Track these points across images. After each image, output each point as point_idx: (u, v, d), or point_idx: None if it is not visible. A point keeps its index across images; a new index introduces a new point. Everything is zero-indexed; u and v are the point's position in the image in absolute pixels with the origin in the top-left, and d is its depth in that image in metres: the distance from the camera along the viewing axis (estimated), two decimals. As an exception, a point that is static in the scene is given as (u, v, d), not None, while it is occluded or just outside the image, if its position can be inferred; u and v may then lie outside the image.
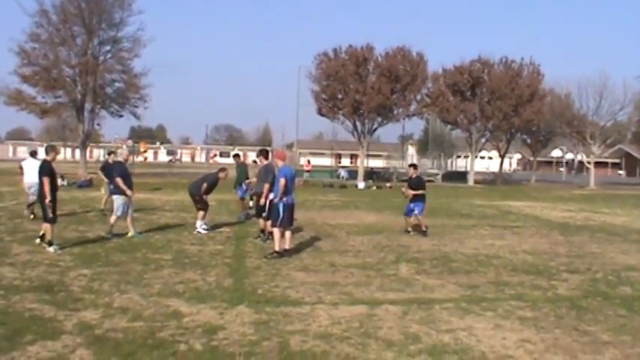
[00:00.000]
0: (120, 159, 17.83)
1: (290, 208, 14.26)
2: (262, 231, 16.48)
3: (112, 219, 16.31)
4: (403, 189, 19.68)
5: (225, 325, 8.29)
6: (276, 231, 13.98)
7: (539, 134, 72.91)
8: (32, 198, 19.21)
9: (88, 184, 37.23)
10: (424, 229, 18.47)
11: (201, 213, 17.66)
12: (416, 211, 18.79)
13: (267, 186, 15.53)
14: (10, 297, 9.42)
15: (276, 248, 13.77)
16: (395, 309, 9.35)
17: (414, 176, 19.35)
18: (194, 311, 8.93)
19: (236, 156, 24.24)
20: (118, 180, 16.20)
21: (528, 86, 61.86)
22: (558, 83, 67.57)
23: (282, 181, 13.98)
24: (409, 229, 18.81)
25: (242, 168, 22.05)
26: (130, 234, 16.29)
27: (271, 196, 14.97)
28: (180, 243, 15.47)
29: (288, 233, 14.24)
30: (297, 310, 9.11)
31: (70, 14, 52.74)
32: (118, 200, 16.28)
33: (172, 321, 8.39)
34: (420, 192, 18.76)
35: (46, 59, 53.07)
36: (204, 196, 17.68)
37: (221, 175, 18.07)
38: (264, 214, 15.94)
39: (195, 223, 17.75)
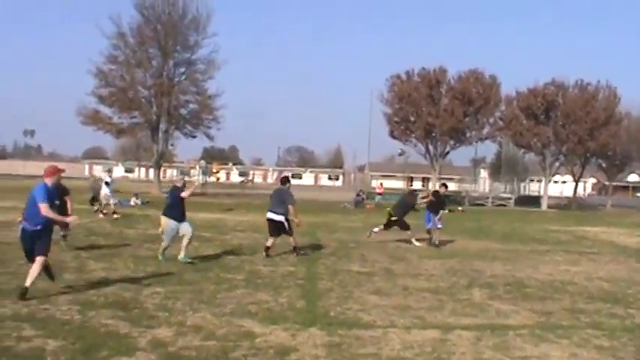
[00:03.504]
0: (178, 184, 16.30)
1: (26, 235, 10.87)
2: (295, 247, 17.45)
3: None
4: None
5: (298, 346, 8.30)
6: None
7: (615, 158, 71.41)
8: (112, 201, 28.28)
9: None
10: None
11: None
12: None
13: (291, 207, 17.18)
14: (87, 312, 9.60)
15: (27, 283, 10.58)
16: (468, 334, 9.25)
17: None
18: (266, 332, 8.96)
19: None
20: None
21: (604, 109, 60.77)
22: (635, 106, 66.30)
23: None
24: None
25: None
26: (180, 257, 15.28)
27: (280, 218, 17.08)
28: (253, 264, 15.54)
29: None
30: (369, 334, 9.08)
31: (147, 37, 54.04)
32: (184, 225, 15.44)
33: (245, 341, 8.44)
34: None
35: (123, 80, 54.44)
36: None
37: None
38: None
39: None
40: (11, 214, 20.86)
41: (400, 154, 19.63)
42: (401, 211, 21.28)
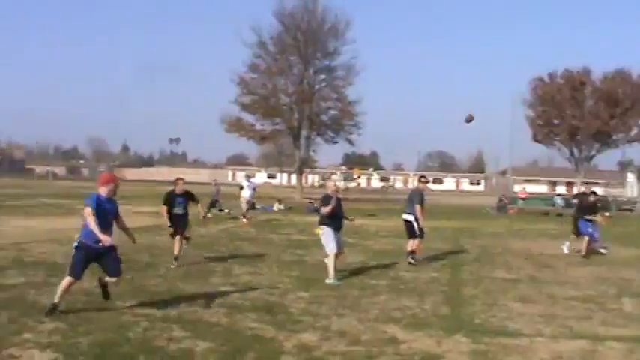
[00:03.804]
0: (330, 193, 14.10)
1: (89, 253, 9.61)
2: (412, 251, 16.63)
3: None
4: None
5: (443, 353, 8.24)
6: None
7: None
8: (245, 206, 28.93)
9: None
10: None
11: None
12: None
13: (417, 207, 16.42)
14: (234, 315, 9.85)
15: (56, 299, 9.43)
16: (619, 346, 8.91)
17: None
18: (411, 338, 8.93)
19: None
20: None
21: None
22: None
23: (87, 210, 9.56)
24: None
25: None
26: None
27: (410, 217, 16.53)
28: (396, 269, 15.50)
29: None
30: (515, 342, 8.92)
31: (287, 45, 55.16)
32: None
33: (389, 347, 8.45)
34: None
35: (264, 88, 55.73)
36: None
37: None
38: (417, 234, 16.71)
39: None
40: (156, 219, 20.44)
41: (469, 121, 19.08)
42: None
